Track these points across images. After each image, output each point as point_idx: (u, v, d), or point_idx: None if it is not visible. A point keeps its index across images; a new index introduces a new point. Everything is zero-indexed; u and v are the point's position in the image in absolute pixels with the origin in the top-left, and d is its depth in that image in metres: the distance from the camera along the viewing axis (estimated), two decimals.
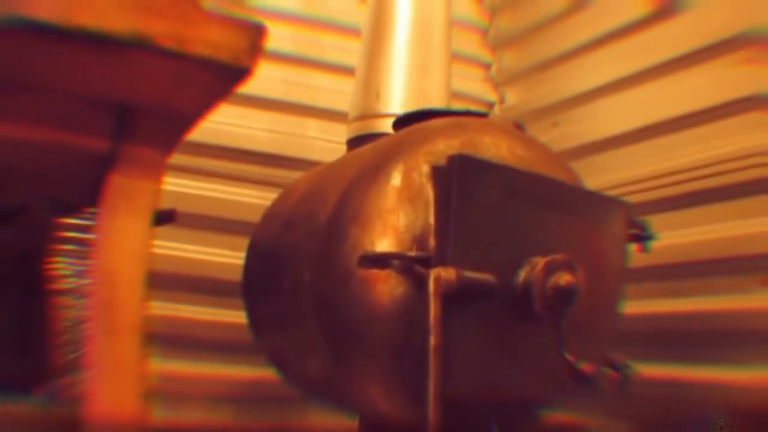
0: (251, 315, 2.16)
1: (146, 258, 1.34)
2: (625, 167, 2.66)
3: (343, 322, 1.52)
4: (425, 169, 1.54)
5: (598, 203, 1.75)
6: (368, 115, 2.22)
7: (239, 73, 1.20)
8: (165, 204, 1.93)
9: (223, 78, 1.21)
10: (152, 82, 1.22)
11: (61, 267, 1.93)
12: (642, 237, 1.84)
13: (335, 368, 1.62)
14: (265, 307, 2.05)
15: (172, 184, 2.64)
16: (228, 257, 2.41)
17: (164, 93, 1.25)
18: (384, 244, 1.48)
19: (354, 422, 2.02)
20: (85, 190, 1.38)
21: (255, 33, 1.20)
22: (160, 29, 1.10)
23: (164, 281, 2.66)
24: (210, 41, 1.14)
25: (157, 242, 2.58)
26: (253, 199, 2.41)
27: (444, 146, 1.58)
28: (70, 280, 1.90)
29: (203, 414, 2.81)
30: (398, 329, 1.48)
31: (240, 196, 2.83)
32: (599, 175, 2.64)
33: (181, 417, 2.76)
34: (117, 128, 1.29)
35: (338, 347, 1.56)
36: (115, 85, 1.23)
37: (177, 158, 2.56)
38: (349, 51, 2.74)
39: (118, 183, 1.30)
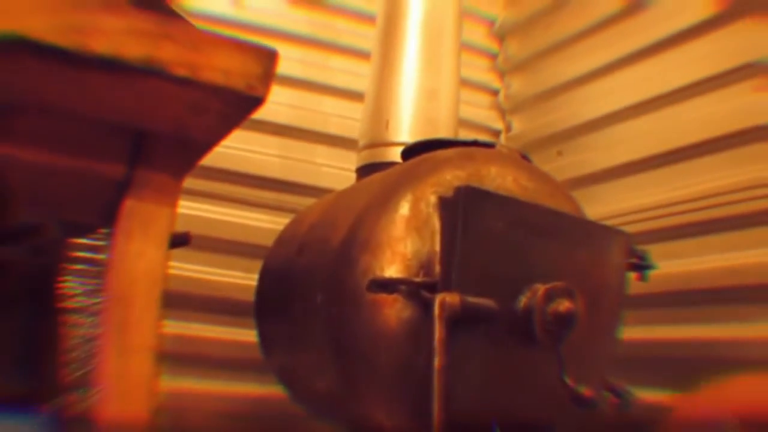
0: (262, 334, 2.24)
1: (161, 281, 1.35)
2: (630, 196, 2.69)
3: (352, 343, 1.59)
4: (432, 199, 1.61)
5: (598, 233, 1.80)
6: (377, 143, 2.26)
7: (252, 100, 1.18)
8: (180, 226, 1.99)
9: (235, 105, 1.20)
10: (165, 108, 1.23)
11: (72, 286, 1.96)
12: (641, 266, 1.90)
13: (342, 387, 1.69)
14: (276, 327, 2.13)
15: (187, 207, 2.71)
16: (241, 278, 2.46)
17: (177, 120, 1.26)
18: (392, 270, 1.56)
19: None
20: (98, 214, 1.40)
21: (268, 58, 1.17)
22: (173, 56, 1.10)
23: (178, 301, 2.72)
24: (222, 68, 1.14)
25: (172, 263, 2.67)
26: (265, 224, 2.47)
27: (451, 177, 1.66)
28: (80, 298, 1.94)
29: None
30: (404, 351, 1.56)
31: (252, 221, 2.88)
32: (603, 204, 2.68)
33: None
34: (132, 153, 1.30)
35: (346, 366, 1.64)
36: (129, 111, 1.25)
37: (191, 182, 2.66)
38: (360, 75, 2.78)
39: (134, 207, 1.30)
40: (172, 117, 1.26)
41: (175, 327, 2.76)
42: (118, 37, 1.07)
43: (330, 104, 3.16)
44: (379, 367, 1.57)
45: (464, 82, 3.07)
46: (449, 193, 1.59)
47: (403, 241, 1.57)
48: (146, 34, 1.09)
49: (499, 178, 1.73)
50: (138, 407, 1.32)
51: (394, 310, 1.55)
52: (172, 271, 2.66)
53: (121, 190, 1.30)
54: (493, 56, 3.69)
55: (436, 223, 1.59)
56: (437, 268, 1.57)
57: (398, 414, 1.60)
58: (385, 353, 1.56)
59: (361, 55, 2.65)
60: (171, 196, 1.35)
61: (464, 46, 2.77)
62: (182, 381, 2.79)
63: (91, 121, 1.25)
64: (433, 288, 1.53)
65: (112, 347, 1.32)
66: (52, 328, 1.94)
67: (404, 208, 1.60)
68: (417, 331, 1.54)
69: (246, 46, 1.17)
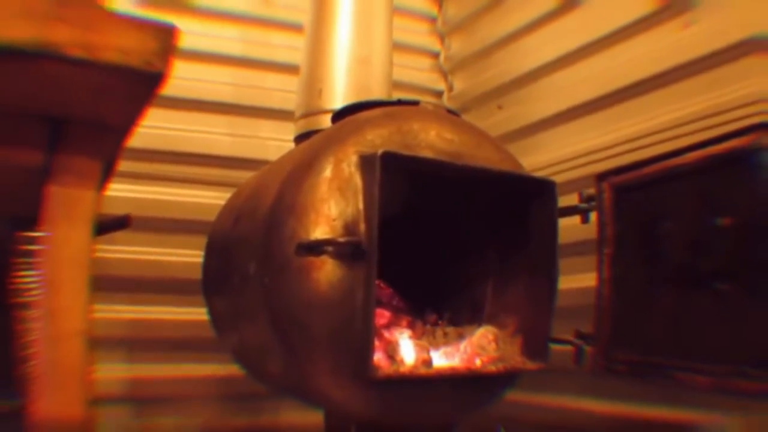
0: (211, 312, 2.22)
1: (89, 265, 1.33)
2: (570, 142, 2.71)
3: (286, 312, 1.56)
4: (354, 159, 1.59)
5: (518, 182, 1.83)
6: (311, 112, 2.25)
7: (153, 77, 1.15)
8: (125, 210, 1.98)
9: (138, 83, 1.17)
10: (69, 92, 1.20)
11: (25, 281, 1.95)
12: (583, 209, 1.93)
13: (286, 360, 1.66)
14: (220, 303, 2.10)
15: (130, 190, 2.71)
16: (193, 257, 2.44)
17: (85, 103, 1.23)
18: (318, 232, 1.53)
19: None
20: (33, 204, 1.38)
21: (166, 34, 1.15)
22: (67, 37, 1.07)
23: (128, 285, 2.72)
24: (119, 47, 1.11)
25: (118, 247, 2.67)
26: (214, 200, 2.44)
27: (372, 136, 1.65)
28: (34, 293, 1.92)
29: (176, 418, 2.85)
30: (338, 315, 1.54)
31: (202, 198, 2.87)
32: (545, 152, 2.70)
33: (155, 422, 2.82)
34: (49, 140, 1.28)
35: (285, 338, 1.60)
36: (35, 98, 1.23)
37: (136, 166, 2.65)
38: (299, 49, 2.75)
39: (56, 193, 1.27)
40: (79, 100, 1.24)
41: (131, 312, 2.79)
42: (6, 20, 1.05)
43: (272, 80, 3.15)
44: (316, 335, 1.54)
45: (404, 47, 3.10)
46: (369, 152, 1.58)
47: (327, 203, 1.55)
48: (38, 15, 1.06)
49: (422, 133, 1.72)
50: (72, 397, 1.31)
51: (324, 273, 1.52)
52: (122, 256, 2.69)
53: (43, 177, 1.30)
54: (433, 20, 3.69)
55: (359, 182, 1.58)
56: (362, 227, 1.55)
57: (343, 383, 1.58)
58: (319, 319, 1.54)
59: (300, 29, 2.63)
60: (92, 179, 1.32)
61: (404, 12, 2.78)
62: (143, 367, 2.80)
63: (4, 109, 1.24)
64: (358, 247, 1.52)
65: (42, 335, 1.31)
66: (7, 326, 1.92)
67: (327, 170, 1.58)
68: (349, 294, 1.53)
69: (143, 23, 1.15)
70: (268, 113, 3.11)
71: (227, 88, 3.07)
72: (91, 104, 1.26)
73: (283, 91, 3.02)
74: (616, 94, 2.55)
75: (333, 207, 1.56)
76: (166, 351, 2.84)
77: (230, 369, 2.30)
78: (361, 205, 1.57)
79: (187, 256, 2.72)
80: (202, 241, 2.23)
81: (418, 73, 3.52)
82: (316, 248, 1.51)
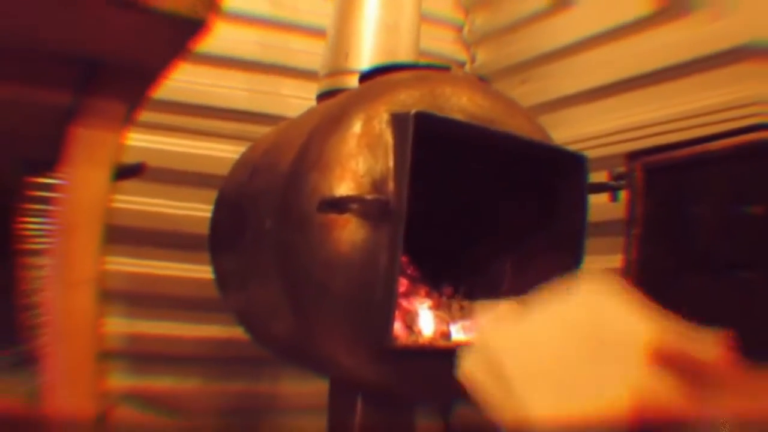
0: (216, 270, 2.13)
1: (105, 210, 1.31)
2: (593, 121, 2.66)
3: (302, 271, 1.47)
4: (385, 117, 1.51)
5: (550, 154, 1.75)
6: (338, 71, 2.18)
7: (197, 25, 1.16)
8: (142, 160, 1.93)
9: (181, 31, 1.17)
10: (113, 35, 1.18)
11: (32, 227, 1.90)
12: (613, 187, 1.87)
13: (297, 323, 1.57)
14: (229, 260, 2.01)
15: (146, 140, 2.63)
16: (201, 211, 2.38)
17: (125, 46, 1.21)
18: (343, 189, 1.44)
19: (325, 384, 1.99)
20: (52, 146, 1.36)
21: None
22: None
23: (132, 236, 2.66)
24: None
25: (124, 197, 2.61)
26: (228, 154, 2.38)
27: (405, 96, 1.56)
28: (41, 240, 1.88)
29: (172, 379, 2.81)
30: (358, 277, 1.45)
31: (214, 151, 2.80)
32: (567, 129, 2.65)
33: (149, 382, 2.76)
34: (79, 81, 1.27)
35: (298, 299, 1.52)
36: (76, 39, 1.20)
37: (151, 116, 2.58)
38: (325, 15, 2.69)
39: (80, 135, 1.27)
40: (120, 43, 1.22)
41: (133, 265, 2.73)
42: None
43: (296, 42, 3.08)
44: (333, 297, 1.45)
45: (429, 18, 3.02)
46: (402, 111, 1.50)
47: (355, 159, 1.46)
48: None
49: (454, 97, 1.64)
50: (82, 346, 1.28)
51: (346, 232, 1.43)
52: (127, 206, 2.63)
53: (69, 118, 1.28)
54: None
55: (390, 140, 1.49)
56: (390, 185, 1.47)
57: (357, 351, 1.49)
58: (338, 281, 1.44)
59: None
60: (118, 123, 1.32)
61: None
62: (142, 323, 2.76)
63: (35, 49, 1.22)
64: (386, 206, 1.44)
65: (56, 280, 1.28)
66: (11, 271, 1.89)
67: (356, 126, 1.49)
68: (372, 256, 1.45)
69: None
70: (290, 72, 3.03)
71: (252, 46, 3.00)
72: (130, 47, 1.24)
73: (308, 53, 2.93)
74: (644, 77, 2.49)
75: (361, 163, 1.47)
76: (166, 308, 2.79)
77: (231, 331, 2.25)
78: (391, 163, 1.48)
79: (196, 210, 2.64)
80: (213, 195, 2.17)
81: (442, 43, 3.43)
82: (340, 205, 1.42)
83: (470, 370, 1.04)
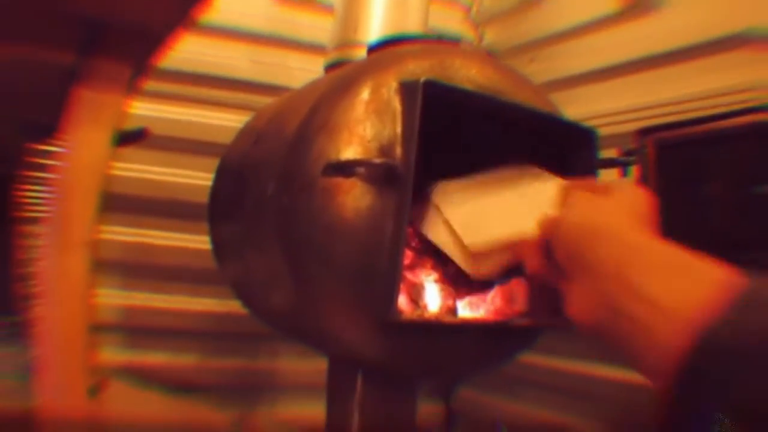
0: (214, 239, 2.10)
1: (104, 174, 1.31)
2: (604, 100, 2.66)
3: (303, 238, 1.43)
4: (394, 85, 1.47)
5: (559, 127, 1.71)
6: (346, 44, 2.17)
7: None
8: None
9: None
10: None
11: (31, 194, 1.89)
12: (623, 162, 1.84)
13: (297, 294, 1.52)
14: (227, 229, 1.97)
15: (150, 109, 2.61)
16: (201, 180, 2.36)
17: (131, 8, 1.21)
18: (350, 152, 1.40)
19: (325, 362, 1.95)
20: (53, 110, 1.35)
21: None
22: None
23: (128, 204, 2.63)
24: None
25: (131, 165, 2.59)
26: (233, 123, 2.37)
27: (413, 66, 1.53)
28: (39, 207, 1.86)
29: (167, 355, 2.79)
30: (362, 246, 1.41)
31: (219, 120, 2.79)
32: (576, 107, 2.64)
33: (144, 357, 2.74)
34: (84, 42, 1.27)
35: (298, 268, 1.47)
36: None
37: (156, 85, 2.56)
38: None
39: (82, 96, 1.27)
40: (127, 5, 1.22)
41: (129, 234, 2.72)
42: None
43: (304, 16, 3.07)
44: (335, 266, 1.41)
45: None
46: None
47: (362, 124, 1.42)
48: None
49: (463, 69, 1.61)
50: (75, 313, 1.27)
51: (351, 197, 1.39)
52: (132, 174, 2.61)
53: (72, 79, 1.27)
54: None
55: (398, 107, 1.45)
56: (398, 151, 1.43)
57: (359, 323, 1.45)
58: (341, 248, 1.40)
59: None
60: (121, 85, 1.32)
61: None
62: (137, 295, 2.74)
63: (40, 9, 1.21)
64: (393, 171, 1.40)
65: (50, 244, 1.27)
66: (8, 238, 1.88)
67: (364, 93, 1.45)
68: (377, 223, 1.41)
69: None
70: (297, 45, 3.03)
71: (259, 20, 2.99)
72: (136, 10, 1.23)
73: (316, 28, 2.94)
74: (655, 58, 2.50)
75: (369, 128, 1.43)
76: (163, 280, 2.77)
77: (229, 305, 2.23)
78: (399, 129, 1.44)
79: (197, 178, 2.64)
80: (215, 164, 2.14)
81: (450, 22, 3.41)
82: (346, 168, 1.38)
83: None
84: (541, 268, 1.22)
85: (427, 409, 3.08)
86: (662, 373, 0.84)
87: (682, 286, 0.87)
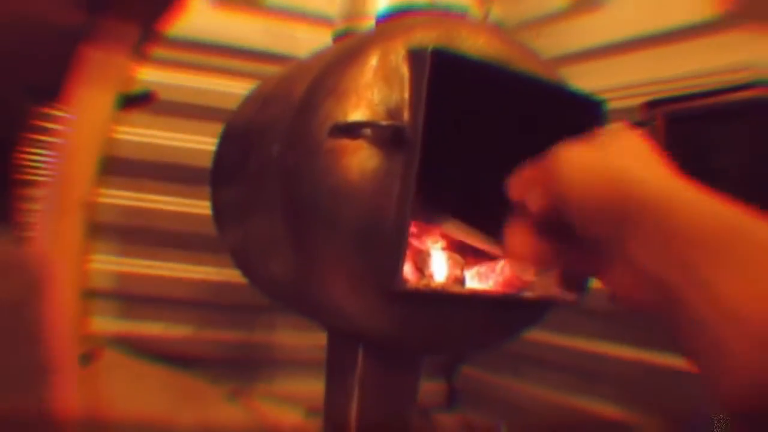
0: (215, 204, 2.07)
1: (106, 135, 1.30)
2: (612, 74, 2.64)
3: (307, 200, 1.41)
4: (402, 52, 1.46)
5: (568, 98, 1.69)
6: (355, 14, 2.13)
7: None
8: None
9: None
10: None
11: (34, 158, 1.88)
12: None
13: (298, 260, 1.50)
14: (230, 193, 1.95)
15: (157, 75, 2.58)
16: (204, 144, 2.34)
17: None
18: (357, 115, 1.39)
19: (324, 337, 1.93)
20: (58, 72, 1.34)
21: None
22: None
23: (137, 168, 2.62)
24: None
25: (136, 129, 2.57)
26: (240, 90, 2.35)
27: (421, 36, 1.51)
28: (41, 171, 1.85)
29: (163, 324, 2.78)
30: (368, 208, 1.38)
31: (226, 87, 2.76)
32: (585, 82, 2.62)
33: (140, 327, 2.74)
34: (91, 1, 1.26)
35: (301, 232, 1.45)
36: None
37: (163, 52, 2.54)
38: None
39: (88, 56, 1.26)
40: None
41: (128, 198, 2.70)
42: None
43: None
44: (338, 229, 1.38)
45: None
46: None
47: (371, 89, 1.41)
48: None
49: (471, 39, 1.59)
50: (69, 276, 1.27)
51: (357, 159, 1.37)
52: (136, 138, 2.59)
53: (76, 41, 1.26)
54: None
55: (406, 73, 1.44)
56: (406, 115, 1.41)
57: (362, 292, 1.42)
58: (345, 211, 1.38)
59: None
60: (127, 44, 1.31)
61: None
62: (134, 262, 2.74)
63: None
64: (401, 133, 1.38)
65: (49, 203, 1.27)
66: (9, 201, 1.87)
67: (373, 60, 1.44)
68: (384, 187, 1.39)
69: None
70: (305, 17, 2.99)
71: None
72: None
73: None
74: (663, 36, 2.47)
75: (376, 93, 1.41)
76: (161, 246, 2.76)
77: (227, 274, 2.21)
78: (406, 95, 1.42)
79: (202, 143, 2.59)
80: (220, 129, 2.12)
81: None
82: (353, 130, 1.37)
83: None
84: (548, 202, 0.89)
85: (429, 386, 3.07)
86: (736, 404, 0.66)
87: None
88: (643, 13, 2.57)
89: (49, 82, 1.52)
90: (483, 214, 1.81)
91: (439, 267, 1.58)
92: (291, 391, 2.85)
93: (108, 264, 2.62)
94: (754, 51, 2.08)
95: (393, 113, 1.41)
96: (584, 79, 2.58)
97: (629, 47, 2.60)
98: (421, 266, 1.56)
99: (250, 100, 2.03)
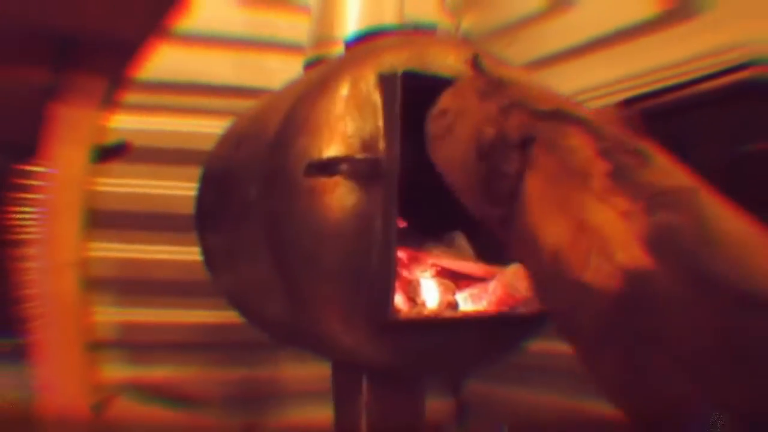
0: (204, 249, 2.04)
1: (86, 190, 1.30)
2: (584, 76, 2.62)
3: (291, 243, 1.39)
4: (372, 79, 1.44)
5: None
6: (324, 41, 2.11)
7: None
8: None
9: (158, 4, 1.18)
10: (88, 9, 1.14)
11: (19, 216, 1.86)
12: None
13: (290, 301, 1.48)
14: (215, 238, 1.92)
15: (132, 122, 2.55)
16: (190, 190, 2.33)
17: (105, 17, 1.19)
18: (332, 151, 1.36)
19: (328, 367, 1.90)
20: (32, 129, 1.34)
21: None
22: None
23: (119, 220, 2.59)
24: None
25: (117, 180, 2.55)
26: (217, 130, 2.34)
27: (391, 59, 1.50)
28: (28, 229, 1.83)
29: (169, 368, 2.75)
30: (352, 246, 1.37)
31: (203, 128, 2.69)
32: (558, 85, 2.63)
33: (147, 371, 2.71)
34: (57, 58, 1.25)
35: (289, 274, 1.43)
36: (50, 14, 1.16)
37: (136, 97, 2.51)
38: None
39: (58, 112, 1.26)
40: (100, 14, 1.18)
41: (122, 251, 2.67)
42: None
43: (283, 19, 3.02)
44: (326, 270, 1.37)
45: None
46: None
47: (343, 120, 1.38)
48: None
49: (440, 57, 1.57)
50: (71, 332, 1.26)
51: (336, 196, 1.35)
52: (114, 189, 2.57)
53: (48, 96, 1.26)
54: None
55: (378, 100, 1.42)
56: (381, 145, 1.39)
57: (356, 326, 1.41)
58: (330, 251, 1.36)
59: None
60: (97, 99, 1.30)
61: None
62: (135, 311, 2.70)
63: (8, 25, 1.19)
64: (377, 165, 1.36)
65: (40, 265, 1.27)
66: (2, 262, 1.85)
67: (343, 89, 1.42)
68: (366, 221, 1.37)
69: None
70: (275, 47, 2.98)
71: (235, 26, 2.95)
72: (107, 20, 1.22)
73: (294, 28, 2.84)
74: (630, 30, 2.48)
75: (349, 124, 1.39)
76: (159, 294, 2.72)
77: (226, 316, 2.19)
78: (380, 122, 1.40)
79: (185, 189, 2.57)
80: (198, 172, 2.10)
81: (426, 11, 3.32)
82: (329, 167, 1.34)
83: None
84: None
85: (438, 404, 3.06)
86: None
87: None
88: (612, 8, 2.57)
89: (24, 140, 1.51)
90: (466, 231, 1.80)
91: (431, 294, 1.55)
92: (301, 423, 2.84)
93: (110, 315, 2.61)
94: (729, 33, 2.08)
95: (368, 144, 1.39)
96: (561, 81, 2.59)
97: (602, 44, 2.60)
98: (413, 295, 1.54)
99: (224, 140, 1.99)
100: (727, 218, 0.95)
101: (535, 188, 1.05)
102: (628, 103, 1.93)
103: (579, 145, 1.02)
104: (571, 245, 0.95)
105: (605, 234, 0.92)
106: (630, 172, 0.98)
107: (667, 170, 1.01)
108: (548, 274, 0.99)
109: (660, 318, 0.86)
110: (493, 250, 1.71)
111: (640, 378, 0.90)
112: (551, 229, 0.99)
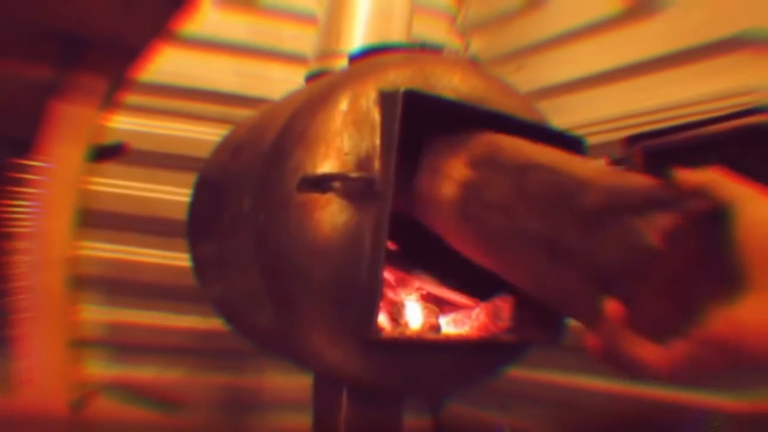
0: (194, 257, 2.03)
1: (80, 187, 1.29)
2: (592, 108, 2.61)
3: (280, 256, 1.37)
4: (373, 95, 1.41)
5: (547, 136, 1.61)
6: (328, 54, 2.12)
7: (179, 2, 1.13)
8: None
9: (164, 7, 1.19)
10: (94, 10, 1.13)
11: (13, 210, 1.84)
12: None
13: (277, 314, 1.46)
14: (206, 246, 1.90)
15: (132, 123, 2.55)
16: (184, 196, 2.32)
17: (111, 19, 1.18)
18: (326, 167, 1.34)
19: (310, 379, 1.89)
20: (31, 125, 1.32)
21: None
22: None
23: (112, 221, 2.57)
24: None
25: (112, 181, 2.53)
26: (215, 137, 2.33)
27: (394, 76, 1.47)
28: (20, 222, 1.81)
29: (154, 370, 2.74)
30: (340, 263, 1.35)
31: (201, 134, 2.70)
32: (565, 115, 2.60)
33: (131, 372, 2.69)
34: (60, 57, 1.25)
35: (277, 288, 1.41)
36: (57, 13, 1.16)
37: (137, 99, 2.50)
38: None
39: (58, 110, 1.25)
40: (106, 16, 1.17)
41: (113, 251, 2.64)
42: None
43: (287, 28, 3.01)
44: (313, 285, 1.35)
45: (423, 7, 2.98)
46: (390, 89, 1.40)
47: (340, 136, 1.36)
48: None
49: (446, 77, 1.54)
50: (56, 327, 1.25)
51: (328, 213, 1.33)
52: (108, 189, 2.55)
53: (49, 93, 1.25)
54: None
55: (377, 118, 1.39)
56: (376, 164, 1.36)
57: (340, 342, 1.40)
58: (318, 267, 1.34)
59: None
60: (98, 99, 1.30)
61: None
62: (122, 312, 2.68)
63: (16, 24, 1.18)
64: (371, 185, 1.34)
65: (30, 259, 1.26)
66: None
67: (342, 104, 1.39)
68: (355, 240, 1.35)
69: None
70: (279, 56, 2.96)
71: (240, 32, 2.92)
72: (115, 20, 1.24)
73: (298, 38, 2.88)
74: (641, 66, 2.45)
75: (346, 140, 1.37)
76: (147, 297, 2.70)
77: (213, 322, 2.18)
78: (377, 141, 1.38)
79: (177, 194, 2.56)
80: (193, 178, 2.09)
81: (435, 32, 3.38)
82: (322, 183, 1.32)
83: None
84: None
85: (416, 422, 3.05)
86: None
87: None
88: (627, 41, 2.55)
89: (22, 135, 1.50)
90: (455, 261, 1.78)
91: (414, 316, 1.54)
92: (280, 430, 2.83)
93: (97, 314, 2.59)
94: (749, 76, 2.07)
95: (363, 163, 1.37)
96: (567, 113, 2.58)
97: (614, 77, 2.58)
98: (396, 316, 1.52)
99: (221, 148, 1.97)
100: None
101: None
102: (632, 140, 1.90)
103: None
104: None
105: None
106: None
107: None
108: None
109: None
110: (480, 285, 1.70)
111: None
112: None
